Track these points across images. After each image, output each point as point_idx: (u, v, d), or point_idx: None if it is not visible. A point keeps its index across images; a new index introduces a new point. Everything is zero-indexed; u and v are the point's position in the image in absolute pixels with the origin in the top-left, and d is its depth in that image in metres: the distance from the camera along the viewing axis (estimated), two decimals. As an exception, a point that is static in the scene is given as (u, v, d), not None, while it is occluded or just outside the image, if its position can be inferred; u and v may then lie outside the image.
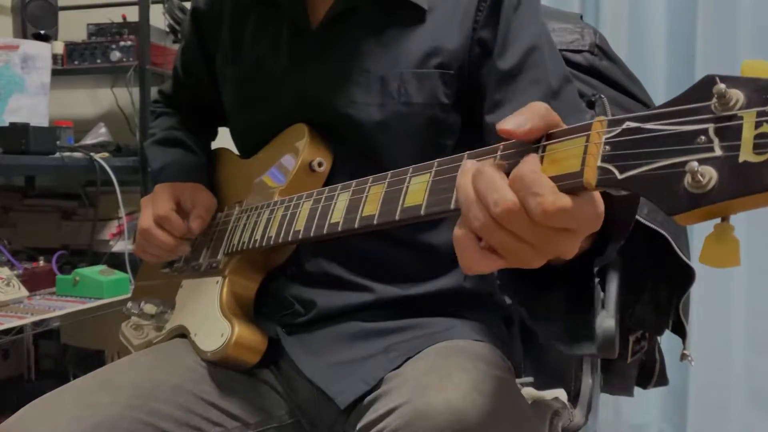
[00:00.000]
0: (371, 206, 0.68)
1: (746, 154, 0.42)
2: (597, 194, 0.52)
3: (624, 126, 0.49)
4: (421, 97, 0.85)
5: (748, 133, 0.42)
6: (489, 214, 0.50)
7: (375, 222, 0.66)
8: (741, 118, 0.43)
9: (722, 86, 0.44)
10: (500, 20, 0.85)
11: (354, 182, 0.72)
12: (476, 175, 0.52)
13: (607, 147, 0.49)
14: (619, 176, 0.48)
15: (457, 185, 0.54)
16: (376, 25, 0.87)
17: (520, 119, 0.52)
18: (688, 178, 0.44)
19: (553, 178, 0.51)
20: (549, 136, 0.53)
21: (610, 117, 0.50)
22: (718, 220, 0.45)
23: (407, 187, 0.65)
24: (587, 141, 0.50)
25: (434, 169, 0.63)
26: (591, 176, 0.49)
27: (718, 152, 0.43)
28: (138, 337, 1.07)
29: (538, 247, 0.51)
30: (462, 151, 0.67)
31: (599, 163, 0.49)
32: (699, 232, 1.74)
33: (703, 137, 0.44)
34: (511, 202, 0.49)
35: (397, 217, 0.64)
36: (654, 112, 0.47)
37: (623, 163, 0.48)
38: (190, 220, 0.96)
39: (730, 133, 0.43)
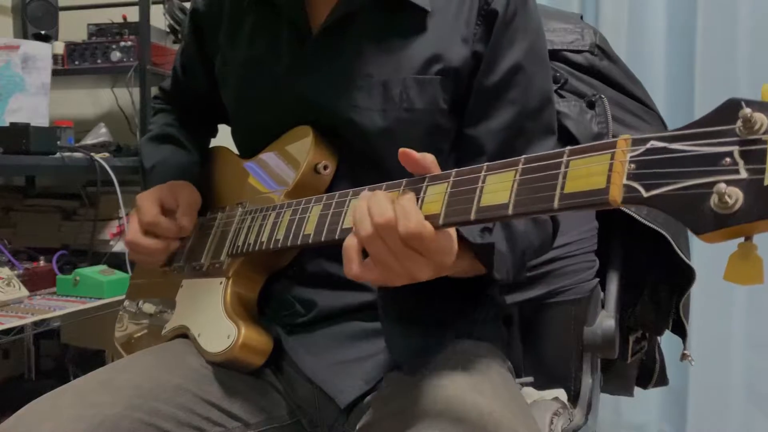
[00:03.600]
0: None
1: None
2: (453, 235, 0.65)
3: (649, 145, 0.50)
4: (422, 103, 0.86)
5: None
6: (372, 224, 0.63)
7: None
8: (765, 142, 0.45)
9: (748, 111, 0.45)
10: (492, 35, 0.85)
11: (366, 188, 0.72)
12: (370, 197, 0.65)
13: (633, 165, 0.50)
14: (645, 194, 0.49)
15: (355, 206, 0.66)
16: (377, 29, 0.87)
17: (418, 155, 0.67)
18: (714, 199, 0.45)
19: (577, 194, 0.53)
20: (571, 152, 0.55)
21: (634, 136, 0.52)
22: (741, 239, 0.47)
23: (424, 196, 0.65)
24: (612, 158, 0.52)
25: (452, 179, 0.64)
26: (616, 193, 0.51)
27: (743, 174, 0.45)
28: (119, 330, 1.08)
29: (401, 261, 0.63)
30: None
31: (625, 181, 0.50)
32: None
33: (728, 159, 0.46)
34: (391, 216, 0.62)
35: None
36: (679, 132, 0.49)
37: (649, 181, 0.49)
38: (178, 218, 0.95)
39: (755, 157, 0.45)
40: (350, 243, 0.66)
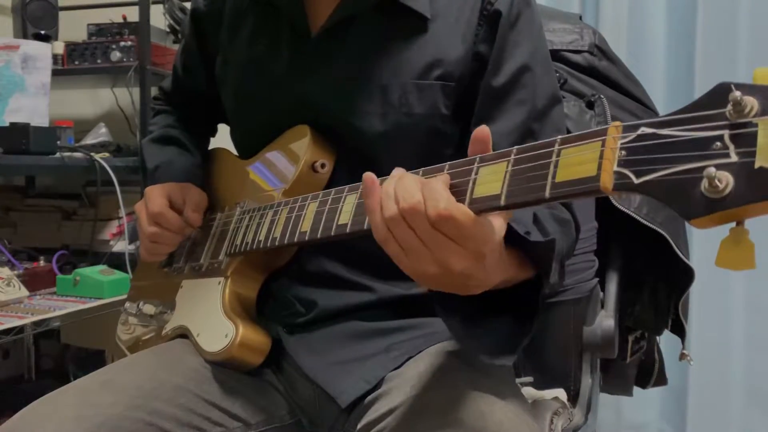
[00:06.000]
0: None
1: (762, 161, 0.43)
2: (496, 222, 0.61)
3: (639, 131, 0.50)
4: (422, 107, 0.85)
5: (763, 140, 0.43)
6: (398, 208, 0.59)
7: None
8: (756, 125, 0.44)
9: (737, 93, 0.44)
10: (496, 36, 0.85)
11: (361, 184, 0.72)
12: (398, 180, 0.61)
13: (623, 152, 0.50)
14: (636, 181, 0.49)
15: (382, 187, 0.62)
16: (378, 33, 0.87)
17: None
18: (705, 183, 0.45)
19: (569, 183, 0.53)
20: (563, 141, 0.55)
21: (624, 123, 0.51)
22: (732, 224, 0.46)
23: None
24: (603, 146, 0.51)
25: (445, 172, 0.63)
26: (607, 180, 0.50)
27: (734, 158, 0.44)
28: (125, 332, 1.08)
29: (432, 248, 0.59)
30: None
31: (615, 168, 0.50)
32: (698, 234, 1.75)
33: (718, 143, 0.45)
34: (417, 201, 0.58)
35: None
36: (669, 118, 0.48)
37: (640, 168, 0.49)
38: (186, 213, 0.96)
39: (745, 140, 0.44)
40: (373, 204, 0.62)
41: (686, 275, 1.13)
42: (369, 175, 0.63)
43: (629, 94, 1.18)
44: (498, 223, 0.61)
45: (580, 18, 1.27)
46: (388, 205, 0.60)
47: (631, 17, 1.97)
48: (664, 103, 1.90)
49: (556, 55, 1.16)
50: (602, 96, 1.15)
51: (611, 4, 1.98)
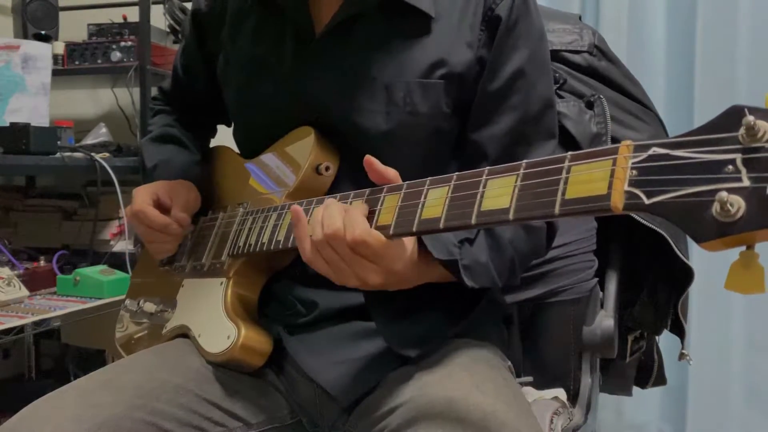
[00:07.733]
0: (387, 216, 0.69)
1: None
2: (408, 245, 0.73)
3: (651, 152, 0.50)
4: (426, 106, 0.86)
5: None
6: (323, 233, 0.69)
7: (391, 232, 0.68)
8: None
9: (751, 118, 0.45)
10: (495, 40, 0.86)
11: (367, 191, 0.73)
12: (324, 208, 0.72)
13: (634, 171, 0.50)
14: (647, 201, 0.49)
15: (313, 214, 0.73)
16: (381, 32, 0.87)
17: (381, 166, 0.72)
18: (716, 207, 0.45)
19: (579, 200, 0.53)
20: (573, 158, 0.55)
21: (636, 142, 0.51)
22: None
23: (425, 200, 0.66)
24: (614, 165, 0.51)
25: (453, 183, 0.64)
26: (618, 200, 0.50)
27: (745, 183, 0.44)
28: (119, 329, 1.08)
29: (351, 266, 0.70)
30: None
31: (626, 188, 0.50)
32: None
33: (730, 167, 0.45)
34: (337, 227, 0.69)
35: (414, 229, 0.66)
36: (681, 139, 0.48)
37: (651, 188, 0.49)
38: (173, 212, 0.96)
39: (757, 165, 0.44)
40: (301, 233, 0.73)
41: (686, 275, 1.13)
42: (296, 208, 0.73)
43: (629, 95, 1.18)
44: (410, 242, 0.73)
45: (580, 18, 1.27)
46: (316, 230, 0.70)
47: (631, 17, 1.97)
48: (664, 103, 1.90)
49: (556, 56, 1.16)
50: (602, 96, 1.15)
51: (611, 4, 1.98)
